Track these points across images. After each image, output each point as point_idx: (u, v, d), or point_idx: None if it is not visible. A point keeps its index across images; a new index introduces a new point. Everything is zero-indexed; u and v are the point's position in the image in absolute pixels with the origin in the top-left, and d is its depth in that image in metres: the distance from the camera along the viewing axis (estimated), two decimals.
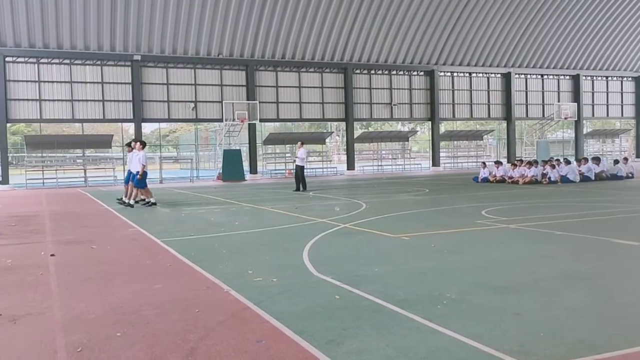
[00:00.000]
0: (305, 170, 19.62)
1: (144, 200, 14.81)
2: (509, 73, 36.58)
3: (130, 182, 14.83)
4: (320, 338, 3.90)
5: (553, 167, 20.02)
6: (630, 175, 21.20)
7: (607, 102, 40.62)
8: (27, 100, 26.25)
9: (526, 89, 37.91)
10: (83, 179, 27.10)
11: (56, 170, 27.66)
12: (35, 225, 11.37)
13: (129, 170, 15.16)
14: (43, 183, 26.94)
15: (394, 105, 33.94)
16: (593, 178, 20.33)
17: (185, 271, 6.41)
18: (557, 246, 7.46)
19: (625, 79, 40.90)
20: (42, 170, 27.52)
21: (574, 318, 4.27)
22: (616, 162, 22.63)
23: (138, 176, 14.40)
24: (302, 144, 19.87)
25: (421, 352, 3.60)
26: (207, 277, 5.97)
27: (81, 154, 30.39)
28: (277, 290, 5.33)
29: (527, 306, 4.59)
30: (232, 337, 3.98)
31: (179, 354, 3.69)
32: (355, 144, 33.71)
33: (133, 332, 4.17)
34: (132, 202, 14.57)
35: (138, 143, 14.96)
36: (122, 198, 15.00)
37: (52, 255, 7.60)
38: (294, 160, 19.52)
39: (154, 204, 14.59)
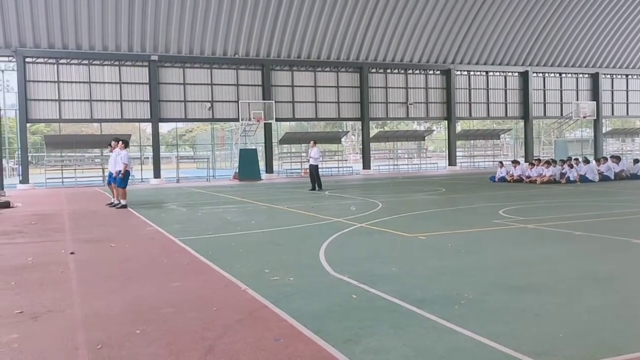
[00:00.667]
0: (320, 170, 19.68)
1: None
2: (527, 72, 36.20)
3: (113, 183, 14.81)
4: (337, 337, 3.91)
5: (572, 166, 19.79)
6: None
7: (627, 100, 40.01)
8: (47, 100, 26.62)
9: (544, 87, 37.50)
10: (101, 178, 27.40)
11: (75, 169, 28.05)
12: (55, 223, 11.52)
13: (110, 171, 15.10)
14: (62, 182, 27.31)
15: (410, 104, 33.80)
16: (612, 177, 20.08)
17: (203, 270, 6.45)
18: (576, 246, 7.37)
19: None
20: (61, 170, 27.90)
21: (594, 319, 4.22)
22: (636, 161, 22.30)
23: (120, 175, 14.34)
24: (315, 143, 19.89)
25: (439, 352, 3.59)
26: (224, 276, 6.01)
27: (99, 154, 30.73)
28: (294, 289, 5.34)
29: (546, 306, 4.54)
30: (249, 336, 4.00)
31: (198, 351, 3.72)
32: (371, 144, 33.63)
33: (152, 330, 4.21)
34: (123, 202, 14.48)
35: (120, 142, 14.74)
36: (112, 202, 14.99)
37: (71, 253, 7.69)
38: (308, 160, 19.53)
39: (124, 206, 14.35)
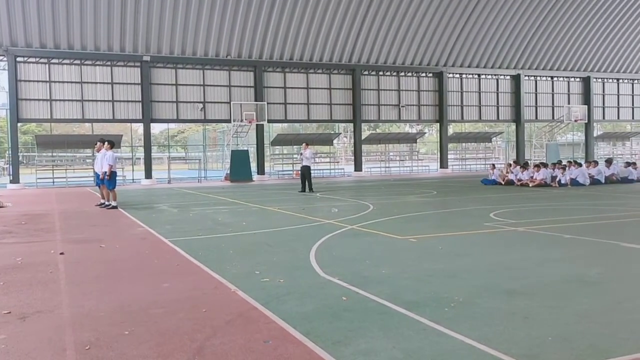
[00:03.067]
0: (311, 171, 19.69)
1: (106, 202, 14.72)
2: (519, 75, 36.41)
3: (103, 184, 14.70)
4: (327, 339, 3.90)
5: (564, 169, 19.91)
6: None
7: (618, 104, 40.33)
8: (38, 100, 26.45)
9: (536, 90, 37.73)
10: (92, 179, 27.18)
11: (66, 169, 27.88)
12: (45, 223, 11.44)
13: (96, 172, 15.00)
14: (53, 182, 27.14)
15: (402, 106, 33.89)
16: (603, 181, 20.21)
17: (193, 271, 6.43)
18: (566, 250, 7.41)
19: (636, 81, 40.58)
20: (52, 170, 27.75)
21: (584, 322, 4.23)
22: (627, 164, 22.47)
23: (107, 177, 14.25)
24: (307, 145, 19.91)
25: (428, 354, 3.59)
26: (214, 277, 5.99)
27: (91, 154, 30.55)
28: (284, 290, 5.33)
29: (536, 310, 4.56)
30: (239, 337, 3.99)
31: (187, 352, 3.70)
32: (362, 146, 33.69)
33: (141, 331, 4.18)
34: (113, 203, 14.42)
35: (106, 143, 14.64)
36: (102, 202, 14.89)
37: (61, 253, 7.65)
38: (301, 161, 19.41)
39: (115, 207, 14.34)
